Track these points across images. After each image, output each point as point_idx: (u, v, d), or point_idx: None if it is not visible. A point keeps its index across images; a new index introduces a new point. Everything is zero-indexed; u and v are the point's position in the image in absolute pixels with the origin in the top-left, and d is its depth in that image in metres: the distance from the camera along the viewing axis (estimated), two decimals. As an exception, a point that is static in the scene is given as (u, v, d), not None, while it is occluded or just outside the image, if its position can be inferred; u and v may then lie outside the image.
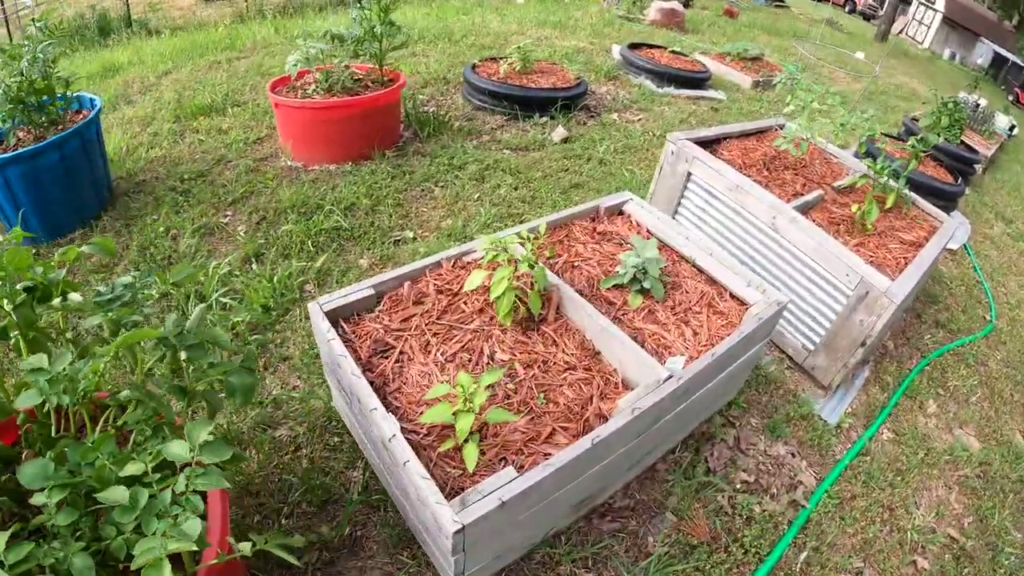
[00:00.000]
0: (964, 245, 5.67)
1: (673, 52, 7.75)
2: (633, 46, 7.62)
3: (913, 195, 3.99)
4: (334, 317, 2.30)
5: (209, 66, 6.95)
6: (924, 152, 6.08)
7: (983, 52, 27.56)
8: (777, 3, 23.57)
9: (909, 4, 30.07)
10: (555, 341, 2.34)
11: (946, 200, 5.58)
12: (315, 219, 3.84)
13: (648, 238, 2.93)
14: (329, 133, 4.36)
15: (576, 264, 2.72)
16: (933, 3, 27.92)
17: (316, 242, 3.70)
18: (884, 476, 2.97)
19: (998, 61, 26.91)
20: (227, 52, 7.60)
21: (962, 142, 7.58)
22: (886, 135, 6.37)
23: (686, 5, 16.92)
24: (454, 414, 1.81)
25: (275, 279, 3.32)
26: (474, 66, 6.03)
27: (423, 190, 4.42)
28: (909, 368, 3.76)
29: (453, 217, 4.13)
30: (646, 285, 2.48)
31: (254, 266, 3.48)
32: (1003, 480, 3.20)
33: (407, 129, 5.27)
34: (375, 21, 4.43)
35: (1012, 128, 12.39)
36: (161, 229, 3.69)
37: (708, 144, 3.94)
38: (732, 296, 2.66)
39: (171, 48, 7.86)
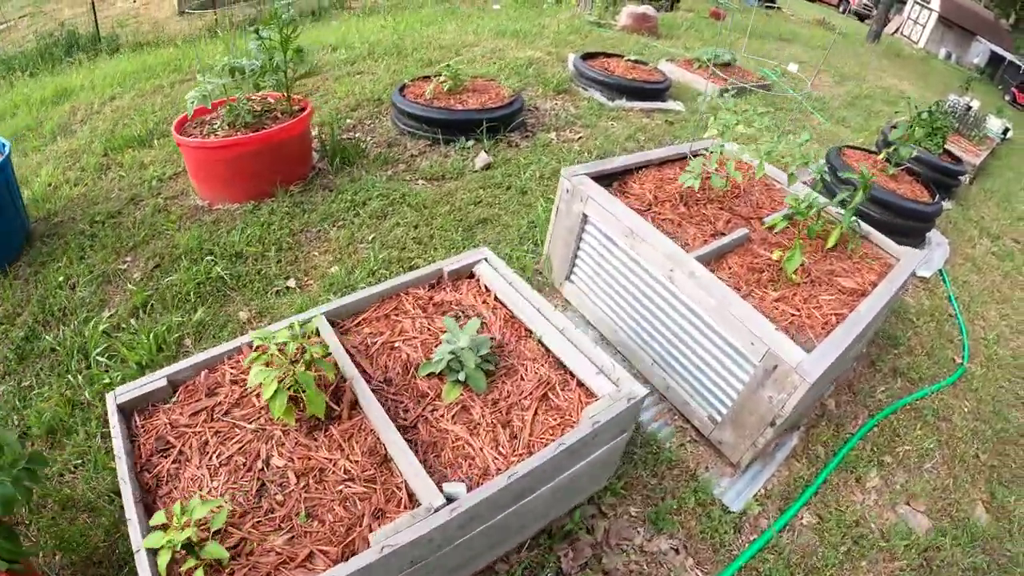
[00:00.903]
0: (940, 270, 5.01)
1: (633, 61, 7.13)
2: (587, 56, 7.01)
3: (867, 228, 3.37)
4: (130, 409, 2.03)
5: (152, 91, 6.51)
6: (898, 166, 5.45)
7: (980, 51, 26.72)
8: (768, 4, 22.85)
9: (904, 4, 29.25)
10: (341, 445, 1.89)
11: (920, 221, 4.93)
12: (203, 266, 3.54)
13: (495, 307, 2.33)
14: (226, 172, 4.01)
15: (396, 345, 2.19)
16: (928, 2, 27.09)
17: (200, 292, 3.41)
18: (795, 579, 2.35)
19: (995, 60, 26.07)
20: (173, 75, 7.13)
21: (946, 151, 6.92)
22: (860, 148, 5.71)
23: (672, 8, 16.29)
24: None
25: (152, 334, 3.00)
26: (403, 87, 5.50)
27: (319, 231, 3.99)
28: (852, 431, 3.13)
29: (341, 263, 3.72)
30: (461, 377, 1.89)
31: (136, 319, 3.20)
32: (951, 569, 2.57)
33: (323, 159, 4.80)
34: (276, 50, 4.06)
35: (1006, 131, 11.67)
36: (61, 278, 3.47)
37: (616, 177, 3.34)
38: (580, 384, 2.08)
39: (122, 71, 7.38)
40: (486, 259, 2.75)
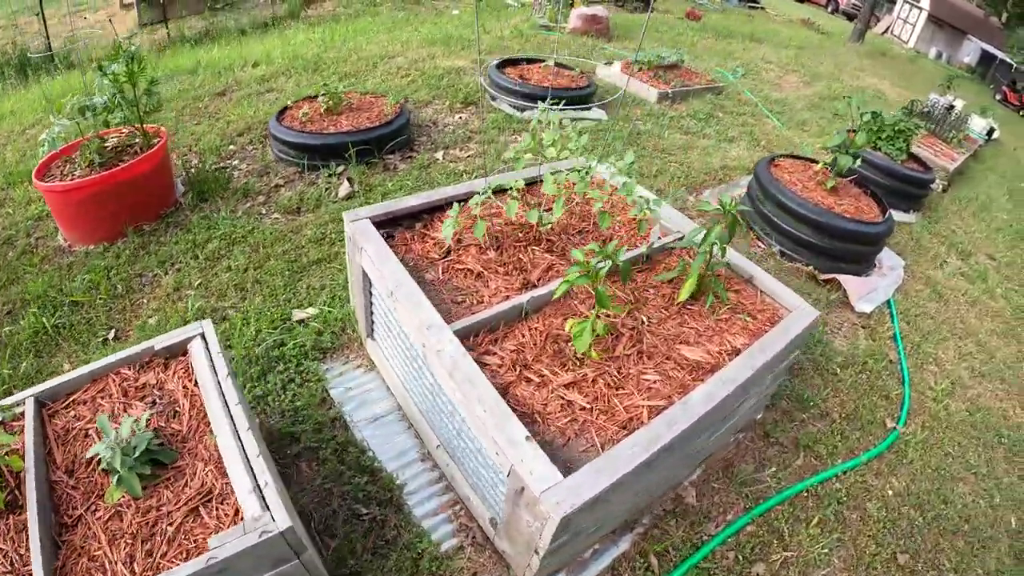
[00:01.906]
0: (889, 301, 4.13)
1: (559, 65, 6.30)
2: (506, 63, 6.19)
3: (752, 270, 2.52)
4: None
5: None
6: (850, 176, 4.58)
7: (970, 50, 25.67)
8: (751, 4, 21.96)
9: (894, 3, 28.24)
10: (13, 538, 1.58)
11: (864, 244, 4.06)
12: (44, 313, 3.23)
13: (194, 395, 1.65)
14: (76, 215, 3.77)
15: (89, 433, 1.84)
16: (918, 1, 26.07)
17: (35, 342, 3.10)
18: None
19: (986, 59, 25.02)
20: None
21: (912, 156, 6.04)
22: (798, 157, 4.84)
23: (647, 7, 15.45)
24: None
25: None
26: (284, 110, 4.90)
27: (154, 276, 3.57)
28: (714, 532, 2.28)
29: (162, 313, 3.27)
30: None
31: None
32: None
33: (187, 193, 4.25)
34: (122, 87, 3.81)
35: (990, 132, 10.73)
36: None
37: (419, 217, 2.53)
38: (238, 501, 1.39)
39: (46, 93, 6.74)
40: (202, 335, 2.03)
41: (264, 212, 4.17)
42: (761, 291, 2.49)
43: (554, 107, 5.62)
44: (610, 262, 2.00)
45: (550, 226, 2.58)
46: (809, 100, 8.70)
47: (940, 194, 6.70)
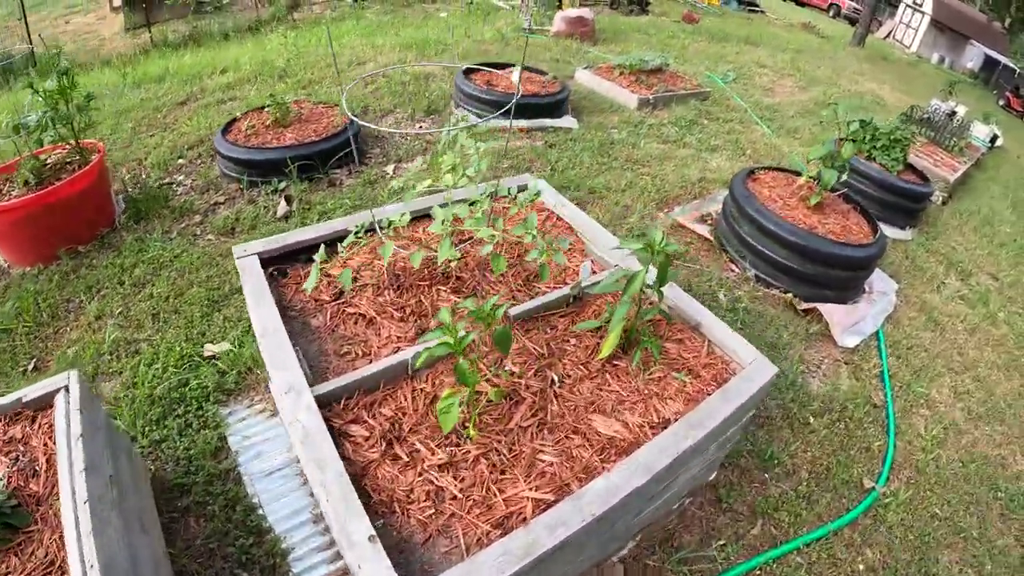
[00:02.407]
0: (878, 332, 3.66)
1: (531, 70, 5.86)
2: (472, 69, 5.73)
3: (701, 317, 2.06)
4: None
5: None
6: (835, 192, 4.11)
7: (973, 55, 25.06)
8: (751, 8, 21.47)
9: (896, 7, 27.68)
10: None
11: (850, 268, 3.58)
12: None
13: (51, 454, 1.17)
14: (10, 236, 3.54)
15: None
16: (920, 6, 25.49)
17: None
18: None
19: (989, 64, 24.42)
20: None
21: (909, 167, 5.56)
22: (780, 169, 4.37)
23: (643, 11, 14.99)
24: None
25: None
26: (232, 121, 4.54)
27: (80, 303, 3.26)
28: None
29: (81, 343, 2.97)
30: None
31: None
32: None
33: (126, 211, 3.95)
34: (54, 105, 3.56)
35: (994, 139, 10.21)
36: None
37: (294, 256, 2.10)
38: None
39: (17, 104, 6.37)
40: (67, 387, 1.72)
41: (198, 233, 3.84)
42: (710, 341, 2.03)
43: (507, 117, 5.19)
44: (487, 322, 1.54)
45: (456, 263, 2.13)
46: (803, 106, 8.22)
47: (939, 207, 6.21)
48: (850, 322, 3.52)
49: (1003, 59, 24.63)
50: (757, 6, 21.57)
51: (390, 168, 4.44)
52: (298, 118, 4.59)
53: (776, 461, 2.58)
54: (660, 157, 5.09)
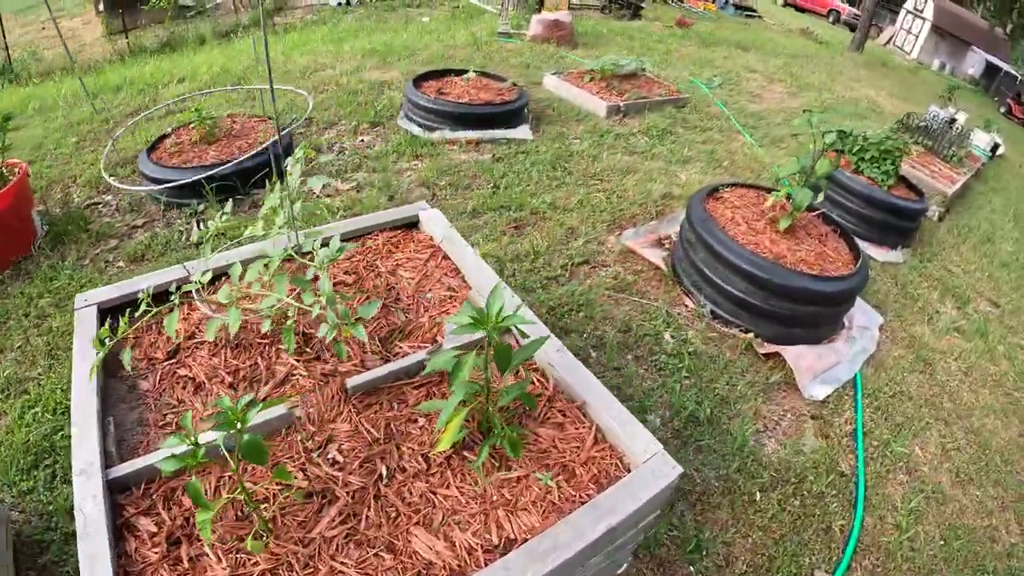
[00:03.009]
0: (855, 378, 3.09)
1: (487, 76, 5.33)
2: (427, 76, 5.21)
3: (587, 395, 1.51)
4: None
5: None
6: (814, 209, 3.56)
7: (975, 62, 24.36)
8: (748, 13, 20.89)
9: (897, 13, 27.02)
10: None
11: (824, 304, 3.02)
12: None
13: None
14: None
15: None
16: (921, 11, 24.82)
17: None
18: None
19: (991, 71, 23.73)
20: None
21: (902, 180, 5.00)
22: (750, 186, 3.81)
23: (635, 15, 14.46)
24: None
25: None
26: (163, 137, 4.19)
27: None
28: None
29: None
30: None
31: None
32: None
33: (47, 235, 3.59)
34: None
35: (995, 148, 9.59)
36: None
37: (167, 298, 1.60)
38: None
39: None
40: None
41: (110, 260, 3.46)
42: (598, 426, 1.48)
43: (461, 129, 4.66)
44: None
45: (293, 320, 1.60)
46: (792, 113, 7.64)
47: (936, 223, 5.62)
48: (821, 367, 2.96)
49: (1005, 66, 23.91)
50: (754, 11, 20.99)
51: (317, 187, 3.93)
52: (228, 133, 4.19)
53: (705, 550, 2.03)
54: (623, 170, 4.54)
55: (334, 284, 2.16)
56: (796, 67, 10.70)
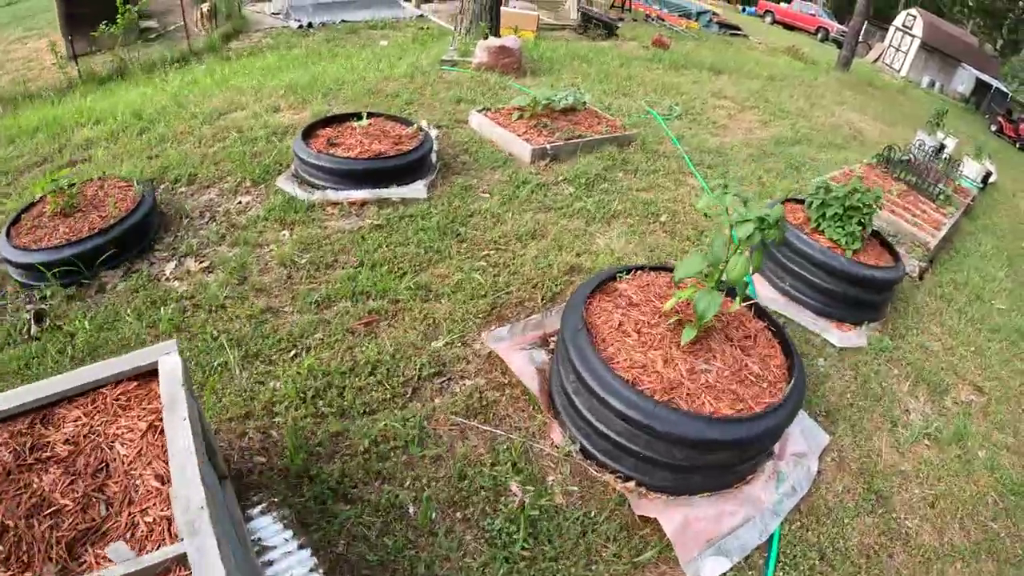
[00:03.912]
0: (772, 537, 2.23)
1: (392, 119, 4.54)
2: (325, 121, 4.42)
3: None
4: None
5: None
6: (747, 297, 2.73)
7: (965, 79, 23.55)
8: (732, 31, 20.17)
9: (886, 30, 26.26)
10: None
11: (734, 450, 2.17)
12: None
13: None
14: None
15: None
16: (910, 28, 24.06)
17: None
18: None
19: (981, 88, 22.91)
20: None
21: (875, 236, 4.18)
22: (649, 268, 2.96)
23: (609, 36, 13.75)
24: None
25: None
26: (29, 206, 3.56)
27: None
28: None
29: None
30: None
31: None
32: None
33: None
34: None
35: (986, 177, 8.75)
36: None
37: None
38: None
39: None
40: None
41: None
42: None
43: (347, 187, 3.84)
44: None
45: None
46: (759, 147, 6.82)
47: (915, 282, 4.77)
48: (720, 531, 2.11)
49: (995, 82, 23.10)
50: (739, 30, 20.26)
51: (171, 266, 3.16)
52: (91, 202, 3.46)
53: None
54: (528, 234, 3.72)
55: (47, 458, 1.46)
56: (772, 92, 9.89)
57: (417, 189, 3.95)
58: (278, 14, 13.00)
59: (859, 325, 3.82)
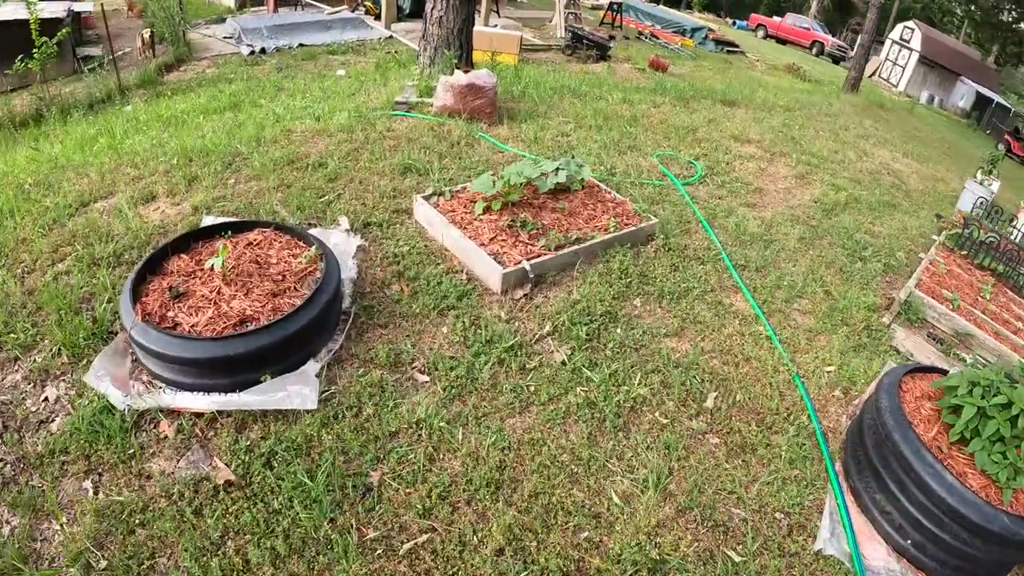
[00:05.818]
0: None
1: (284, 230, 2.72)
2: (179, 243, 2.60)
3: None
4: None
5: None
6: None
7: (964, 93, 22.00)
8: (730, 49, 18.48)
9: (881, 44, 24.72)
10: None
11: None
12: None
13: None
14: None
15: None
16: (908, 41, 22.50)
17: None
18: None
19: (981, 102, 21.37)
20: None
21: None
22: None
23: (602, 58, 11.97)
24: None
25: None
26: None
27: None
28: None
29: None
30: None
31: None
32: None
33: None
34: None
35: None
36: None
37: None
38: None
39: None
40: None
41: None
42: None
43: (189, 386, 1.96)
44: None
45: None
46: (806, 221, 5.04)
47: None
48: None
49: (996, 97, 21.61)
50: (736, 47, 18.58)
51: None
52: None
53: None
54: (490, 482, 1.90)
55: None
56: (796, 128, 8.15)
57: (301, 389, 2.11)
58: (230, 38, 11.12)
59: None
